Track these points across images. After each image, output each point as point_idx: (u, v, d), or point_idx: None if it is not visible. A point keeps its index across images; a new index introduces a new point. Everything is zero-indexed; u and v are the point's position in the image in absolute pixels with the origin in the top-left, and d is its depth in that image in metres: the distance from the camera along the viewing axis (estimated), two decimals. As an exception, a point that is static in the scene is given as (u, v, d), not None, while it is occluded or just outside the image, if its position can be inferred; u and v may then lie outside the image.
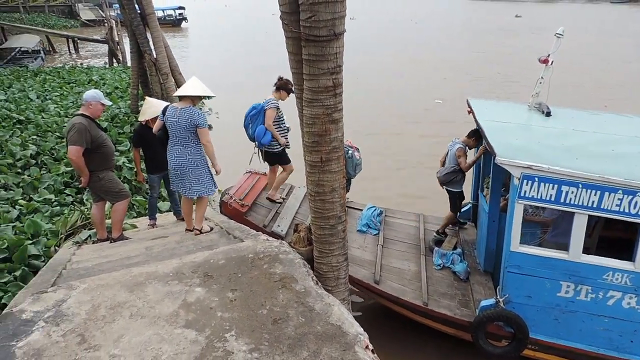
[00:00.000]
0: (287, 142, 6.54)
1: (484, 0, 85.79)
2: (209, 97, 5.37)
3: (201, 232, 5.63)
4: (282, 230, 6.36)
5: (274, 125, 6.30)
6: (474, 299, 5.63)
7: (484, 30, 43.68)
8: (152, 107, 6.00)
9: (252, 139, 6.50)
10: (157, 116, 5.79)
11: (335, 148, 3.70)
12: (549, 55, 5.72)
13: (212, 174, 5.45)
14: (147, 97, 6.94)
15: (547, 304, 4.94)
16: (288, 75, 4.01)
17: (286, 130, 6.56)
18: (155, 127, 5.46)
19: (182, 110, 5.06)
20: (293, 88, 3.89)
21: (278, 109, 6.35)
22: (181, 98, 5.18)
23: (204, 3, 77.57)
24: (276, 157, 6.61)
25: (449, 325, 5.55)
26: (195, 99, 5.20)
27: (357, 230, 6.84)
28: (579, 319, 4.89)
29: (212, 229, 5.79)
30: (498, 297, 5.06)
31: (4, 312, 3.27)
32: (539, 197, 4.62)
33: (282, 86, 6.34)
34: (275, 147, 6.47)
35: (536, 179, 4.54)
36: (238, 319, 3.07)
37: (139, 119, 6.13)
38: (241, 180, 7.23)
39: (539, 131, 5.50)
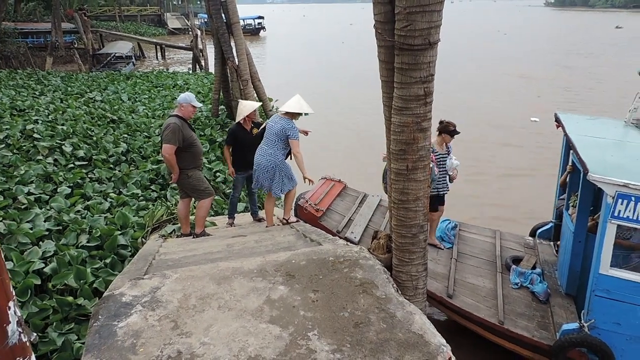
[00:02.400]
0: (441, 187, 6.46)
1: (576, 11, 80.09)
2: (306, 114, 5.92)
3: (288, 222, 6.12)
4: (355, 237, 6.40)
5: None
6: (554, 322, 5.35)
7: (582, 43, 41.09)
8: (245, 107, 6.38)
9: None
10: (251, 113, 6.17)
11: (422, 157, 3.70)
12: (651, 68, 5.38)
13: (285, 179, 5.94)
14: (240, 100, 7.31)
15: (639, 333, 4.59)
16: (375, 85, 4.05)
17: (444, 177, 6.45)
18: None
19: (281, 119, 5.84)
20: (382, 96, 3.93)
21: (434, 152, 6.28)
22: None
23: (283, 13, 79.16)
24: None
25: (526, 348, 5.30)
26: (294, 115, 5.86)
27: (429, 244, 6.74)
28: (675, 353, 4.51)
29: (298, 220, 6.23)
30: (582, 321, 4.78)
31: (105, 294, 3.55)
32: (635, 218, 4.33)
33: (443, 129, 6.33)
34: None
35: (633, 198, 4.27)
36: (320, 319, 3.14)
37: (237, 119, 6.46)
38: (317, 186, 7.37)
39: (637, 148, 5.16)
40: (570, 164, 5.90)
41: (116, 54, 28.52)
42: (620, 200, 4.32)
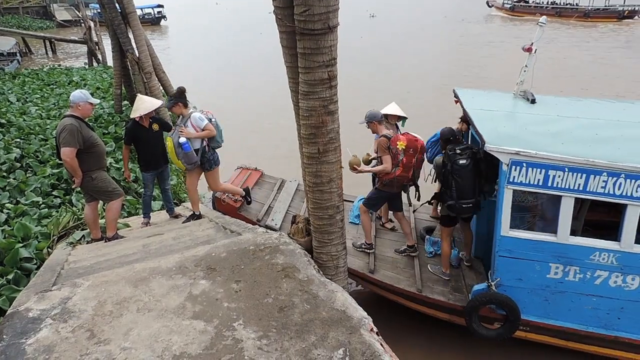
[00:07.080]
0: None
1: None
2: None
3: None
4: (275, 224, 6.43)
5: None
6: (466, 284, 5.77)
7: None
8: (144, 104, 5.98)
9: (430, 161, 6.79)
10: (149, 113, 5.84)
11: (332, 139, 3.78)
12: (532, 43, 5.87)
13: None
14: (139, 95, 6.91)
15: (537, 286, 5.08)
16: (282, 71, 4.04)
17: None
18: None
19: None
20: (288, 81, 3.95)
21: None
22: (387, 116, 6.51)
23: (191, 1, 72.96)
24: None
25: (443, 311, 5.69)
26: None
27: (350, 222, 6.94)
28: (568, 299, 5.05)
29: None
30: (490, 281, 5.19)
31: (9, 311, 3.28)
32: (527, 182, 4.75)
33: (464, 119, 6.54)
34: None
35: (524, 164, 4.67)
36: (244, 308, 3.13)
37: (132, 116, 6.09)
38: (233, 176, 7.28)
39: (525, 118, 5.65)
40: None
41: (-3, 52, 25.84)
42: (514, 167, 4.71)
